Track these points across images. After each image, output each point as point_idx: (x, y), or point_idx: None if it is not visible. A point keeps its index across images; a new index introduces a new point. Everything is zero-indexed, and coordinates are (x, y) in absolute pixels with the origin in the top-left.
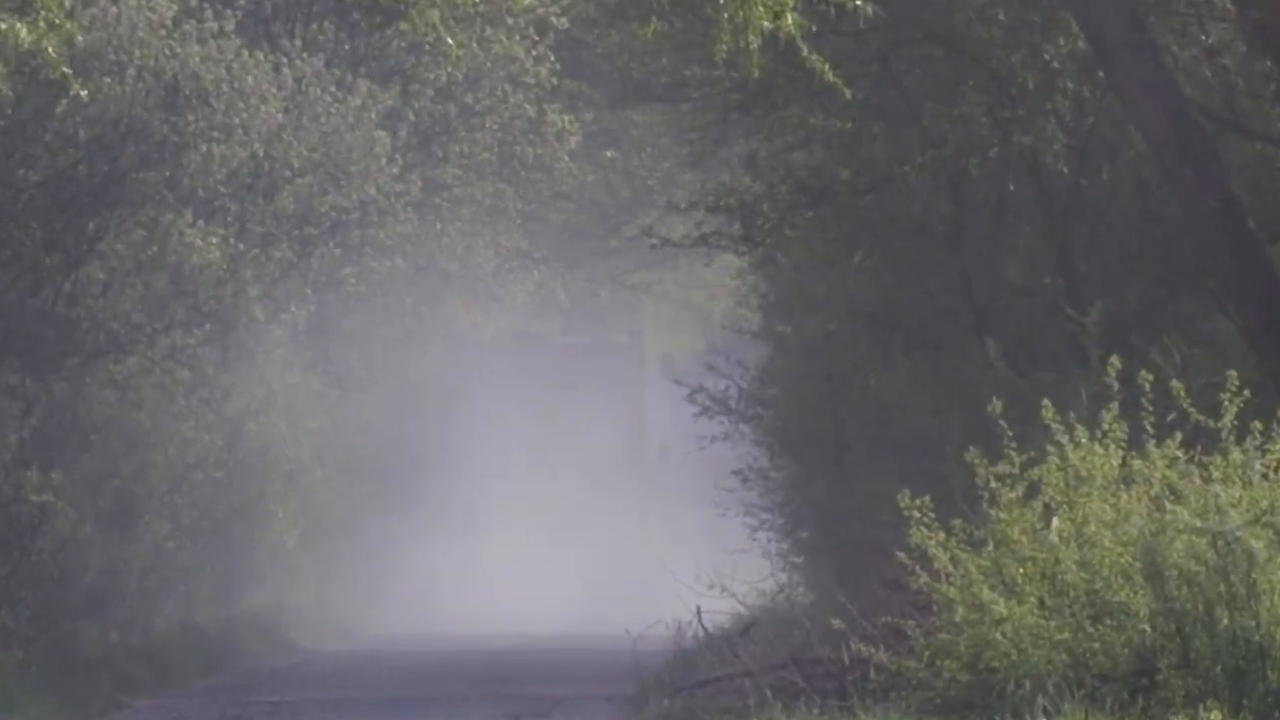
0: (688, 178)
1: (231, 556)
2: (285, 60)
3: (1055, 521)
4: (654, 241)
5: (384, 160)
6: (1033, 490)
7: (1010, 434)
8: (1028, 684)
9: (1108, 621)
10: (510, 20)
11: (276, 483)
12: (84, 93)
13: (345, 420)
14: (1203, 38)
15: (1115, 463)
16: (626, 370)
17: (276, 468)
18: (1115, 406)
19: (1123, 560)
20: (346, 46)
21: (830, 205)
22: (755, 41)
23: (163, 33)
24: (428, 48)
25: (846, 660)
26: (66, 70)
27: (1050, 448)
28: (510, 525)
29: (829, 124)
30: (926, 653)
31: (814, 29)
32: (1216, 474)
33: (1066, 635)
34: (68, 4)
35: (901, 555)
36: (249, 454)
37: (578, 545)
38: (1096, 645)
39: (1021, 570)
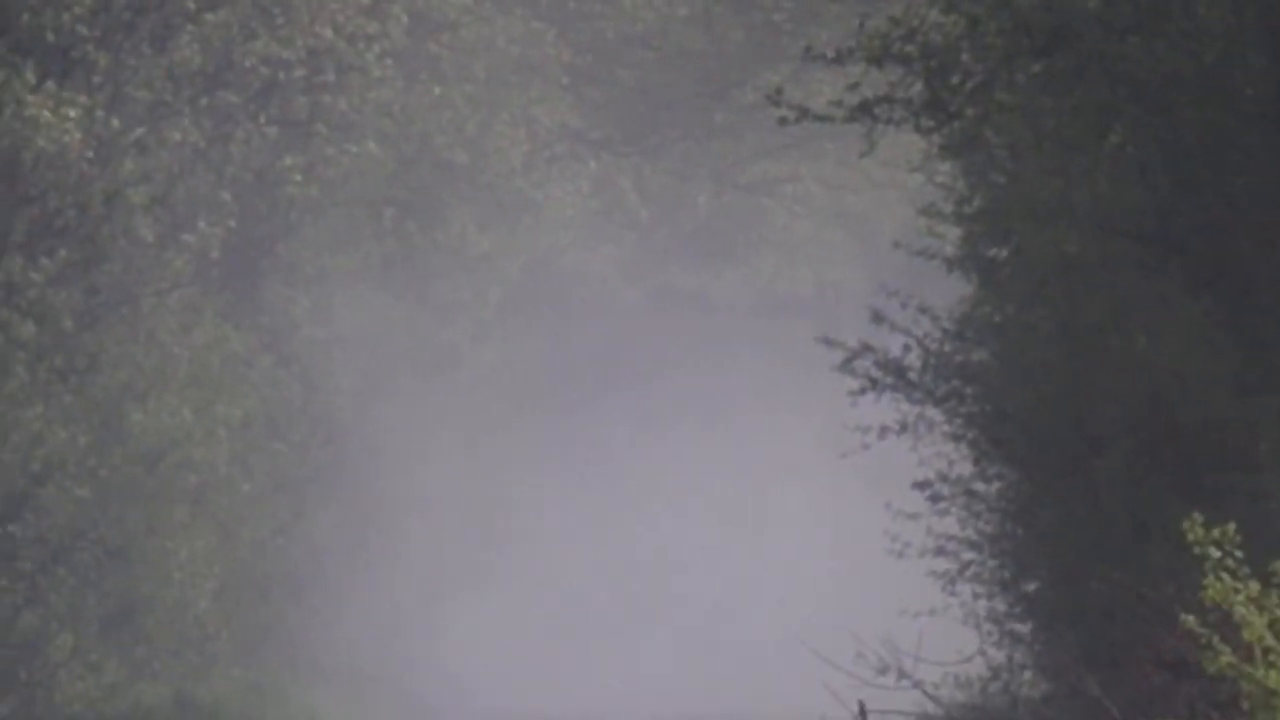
0: (837, 9)
1: (103, 623)
2: None
3: None
4: (785, 113)
5: None
6: None
7: None
8: None
9: None
10: None
11: (177, 506)
12: None
13: (287, 405)
14: None
15: None
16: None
17: (177, 482)
18: None
19: None
20: None
21: (1070, 53)
22: None
23: None
24: None
25: None
26: None
27: None
28: (569, 580)
29: None
30: None
31: None
32: None
33: None
34: None
35: (1188, 619)
36: (132, 460)
37: (677, 604)
38: None
39: None
